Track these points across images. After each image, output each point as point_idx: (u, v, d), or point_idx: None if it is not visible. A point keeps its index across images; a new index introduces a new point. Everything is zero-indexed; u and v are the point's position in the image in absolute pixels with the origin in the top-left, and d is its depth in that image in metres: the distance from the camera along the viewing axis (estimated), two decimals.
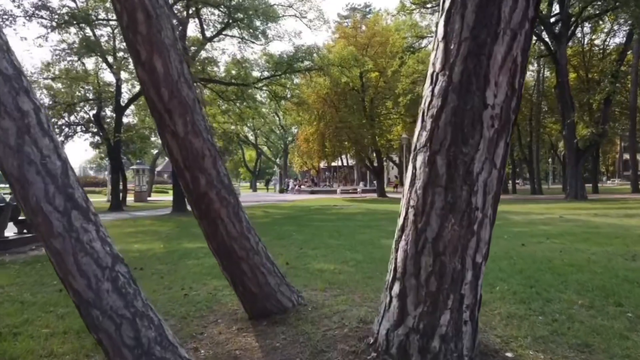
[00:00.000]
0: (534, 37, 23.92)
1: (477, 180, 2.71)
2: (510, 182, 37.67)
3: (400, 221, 3.05)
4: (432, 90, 2.79)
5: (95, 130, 24.21)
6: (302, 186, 44.71)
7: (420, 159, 2.84)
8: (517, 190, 37.71)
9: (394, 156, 45.51)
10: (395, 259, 3.04)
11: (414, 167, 2.89)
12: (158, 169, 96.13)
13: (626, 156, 58.44)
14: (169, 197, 30.80)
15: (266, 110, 50.71)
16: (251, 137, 55.90)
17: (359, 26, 33.56)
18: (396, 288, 2.96)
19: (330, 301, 4.57)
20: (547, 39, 22.64)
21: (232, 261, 3.85)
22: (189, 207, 18.15)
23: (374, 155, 33.48)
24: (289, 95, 22.59)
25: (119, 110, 21.65)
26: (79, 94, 22.73)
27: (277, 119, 52.95)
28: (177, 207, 17.90)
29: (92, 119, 22.72)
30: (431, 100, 2.79)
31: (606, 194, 27.81)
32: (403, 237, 2.98)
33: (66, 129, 25.96)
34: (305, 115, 25.50)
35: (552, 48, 21.51)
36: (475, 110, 2.65)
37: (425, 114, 2.82)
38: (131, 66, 23.98)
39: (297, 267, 6.73)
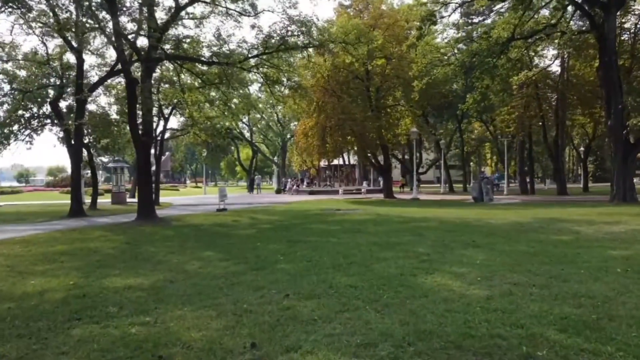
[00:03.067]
0: (572, 8, 20.31)
1: None
2: (527, 180, 34.03)
3: None
4: None
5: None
6: (299, 186, 41.07)
7: None
8: (535, 191, 34.09)
9: (397, 153, 41.84)
10: None
11: None
12: (153, 167, 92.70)
13: None
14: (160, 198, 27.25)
15: (263, 106, 47.36)
16: (247, 134, 52.44)
17: (361, 8, 29.92)
18: None
19: None
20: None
21: None
22: (160, 212, 14.30)
23: (379, 151, 29.93)
24: (284, 80, 18.93)
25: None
26: (34, 78, 19.20)
27: (275, 115, 49.49)
28: (142, 213, 14.38)
29: (50, 106, 19.25)
30: None
31: None
32: None
33: (34, 122, 22.55)
34: (303, 103, 21.87)
35: (595, 21, 17.99)
36: None
37: None
38: (99, 44, 20.62)
39: (271, 356, 3.25)
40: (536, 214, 14.75)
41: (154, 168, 27.34)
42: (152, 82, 23.53)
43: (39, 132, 22.99)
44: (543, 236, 9.25)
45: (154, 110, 26.06)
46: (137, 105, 15.02)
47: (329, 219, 14.23)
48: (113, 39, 13.82)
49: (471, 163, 59.17)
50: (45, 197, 37.59)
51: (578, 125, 36.45)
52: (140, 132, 15.02)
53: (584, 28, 23.05)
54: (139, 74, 16.48)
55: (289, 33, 16.22)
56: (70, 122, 16.87)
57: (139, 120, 15.39)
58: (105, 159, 48.72)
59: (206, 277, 6.22)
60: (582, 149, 43.65)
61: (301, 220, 14.12)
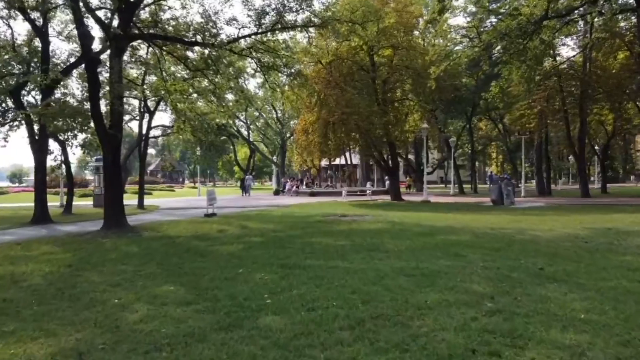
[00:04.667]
0: None
1: None
2: (539, 180, 31.39)
3: None
4: None
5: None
6: (299, 187, 38.50)
7: None
8: (552, 192, 31.53)
9: (401, 152, 39.27)
10: None
11: None
12: (150, 167, 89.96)
13: None
14: (147, 201, 24.85)
15: (261, 102, 44.79)
16: (245, 133, 50.06)
17: None
18: None
19: None
20: None
21: None
22: (140, 217, 11.18)
23: (385, 149, 27.42)
24: (281, 67, 16.34)
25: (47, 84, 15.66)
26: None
27: (274, 112, 47.07)
28: (109, 221, 11.89)
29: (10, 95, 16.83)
30: None
31: None
32: None
33: (8, 117, 20.13)
34: (303, 93, 19.34)
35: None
36: None
37: None
38: (72, 28, 18.16)
39: None
40: (582, 222, 12.32)
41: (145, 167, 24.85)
42: (137, 71, 21.23)
43: (14, 128, 20.64)
44: (629, 258, 6.80)
45: (142, 105, 23.74)
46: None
47: (334, 229, 11.76)
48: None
49: (477, 162, 56.64)
50: (29, 198, 35.14)
51: (596, 122, 33.87)
52: (108, 124, 12.58)
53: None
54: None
55: (286, 8, 13.76)
56: (23, 111, 14.44)
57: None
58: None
59: (141, 342, 3.78)
60: (596, 147, 41.10)
61: (300, 230, 11.65)
